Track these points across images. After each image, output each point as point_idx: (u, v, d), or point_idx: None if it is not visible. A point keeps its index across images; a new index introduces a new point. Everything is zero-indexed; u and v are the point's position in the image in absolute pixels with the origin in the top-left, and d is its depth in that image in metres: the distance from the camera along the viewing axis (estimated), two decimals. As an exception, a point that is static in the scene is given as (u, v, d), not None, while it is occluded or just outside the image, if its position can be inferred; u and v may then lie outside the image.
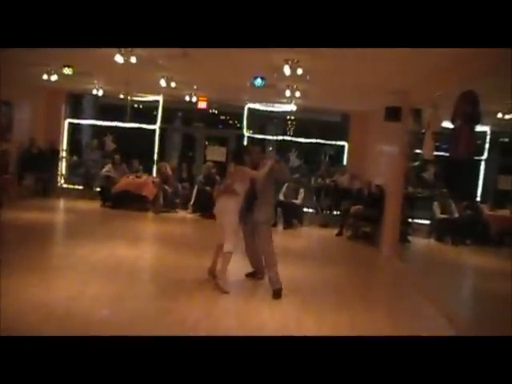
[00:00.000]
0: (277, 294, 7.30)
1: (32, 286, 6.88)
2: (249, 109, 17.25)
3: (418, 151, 12.88)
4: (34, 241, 10.07)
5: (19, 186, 15.64)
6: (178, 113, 19.52)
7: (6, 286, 6.71)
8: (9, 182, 14.26)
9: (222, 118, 19.56)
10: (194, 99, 15.36)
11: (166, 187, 15.07)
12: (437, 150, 11.35)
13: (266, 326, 6.30)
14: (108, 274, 7.83)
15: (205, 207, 14.20)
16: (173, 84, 12.61)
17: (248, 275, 8.26)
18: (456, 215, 13.75)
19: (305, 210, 15.39)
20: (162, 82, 12.42)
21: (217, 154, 17.44)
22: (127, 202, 14.71)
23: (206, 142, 18.64)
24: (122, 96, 16.28)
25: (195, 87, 14.31)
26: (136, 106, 18.08)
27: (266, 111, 17.14)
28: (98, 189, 16.12)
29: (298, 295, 7.54)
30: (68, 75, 12.29)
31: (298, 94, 12.10)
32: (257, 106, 17.01)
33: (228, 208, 7.44)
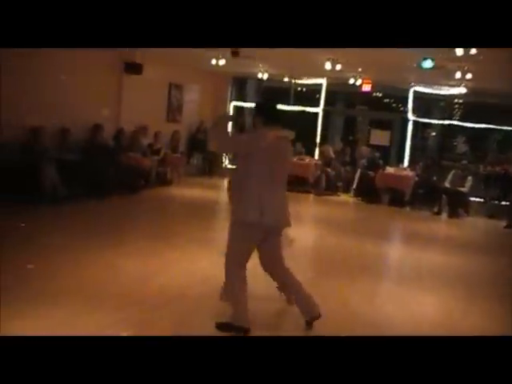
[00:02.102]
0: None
1: (199, 260, 7.18)
2: (414, 91, 16.70)
3: None
4: (200, 216, 10.53)
5: (187, 164, 16.39)
6: (340, 95, 19.37)
7: (176, 259, 7.07)
8: (179, 161, 14.98)
9: (386, 101, 19.13)
10: (359, 82, 15.15)
11: (329, 170, 15.07)
12: None
13: (427, 313, 6.11)
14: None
15: (367, 191, 14.06)
16: (338, 66, 12.50)
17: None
18: None
19: (471, 198, 14.63)
20: (328, 65, 12.35)
21: (380, 137, 17.12)
22: (289, 183, 14.82)
23: (369, 126, 18.37)
24: (286, 79, 16.46)
25: (360, 69, 14.10)
26: (299, 89, 18.18)
27: (433, 94, 16.48)
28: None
29: (460, 285, 7.23)
30: (235, 59, 12.58)
31: (468, 75, 11.51)
32: (423, 88, 16.40)
33: None
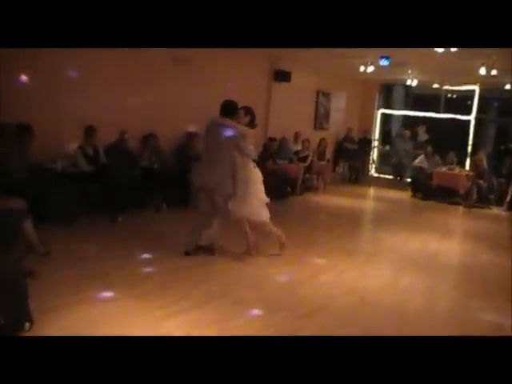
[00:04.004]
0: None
1: (347, 270, 7.14)
2: None
3: None
4: (346, 225, 10.48)
5: (333, 172, 16.40)
6: (493, 102, 18.47)
7: (320, 268, 7.08)
8: (325, 169, 15.01)
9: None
10: (516, 88, 14.36)
11: (481, 181, 14.38)
12: None
13: None
14: (421, 267, 7.74)
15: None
16: (493, 72, 11.93)
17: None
18: None
19: None
20: (482, 70, 11.83)
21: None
22: (438, 194, 14.43)
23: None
24: (436, 86, 15.98)
25: (517, 74, 13.36)
26: (450, 95, 17.57)
27: None
28: (409, 179, 16.09)
29: None
30: (384, 66, 12.42)
31: None
32: None
33: None
